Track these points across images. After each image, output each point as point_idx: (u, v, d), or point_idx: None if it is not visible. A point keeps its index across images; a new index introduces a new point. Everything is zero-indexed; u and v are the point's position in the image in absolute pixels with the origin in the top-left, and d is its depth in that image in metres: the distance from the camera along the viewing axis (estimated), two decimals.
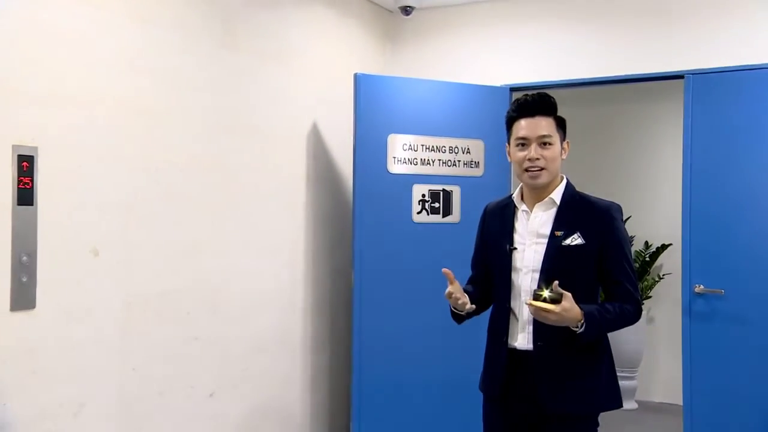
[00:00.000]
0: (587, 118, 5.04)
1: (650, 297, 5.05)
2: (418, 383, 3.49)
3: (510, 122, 2.08)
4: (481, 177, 3.64)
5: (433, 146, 3.55)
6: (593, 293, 2.05)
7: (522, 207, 2.09)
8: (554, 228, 2.01)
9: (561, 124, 2.06)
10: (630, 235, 4.81)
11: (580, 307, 1.90)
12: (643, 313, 4.98)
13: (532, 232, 2.03)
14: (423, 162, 3.53)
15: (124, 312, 2.49)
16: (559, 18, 3.69)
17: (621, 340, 4.45)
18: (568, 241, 1.98)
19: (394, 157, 3.48)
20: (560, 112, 2.09)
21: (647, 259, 5.00)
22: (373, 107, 3.43)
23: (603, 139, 5.18)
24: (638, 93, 4.80)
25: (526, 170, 2.01)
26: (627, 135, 5.21)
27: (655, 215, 4.93)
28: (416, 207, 3.52)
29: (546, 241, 2.01)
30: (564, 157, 2.07)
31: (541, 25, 3.74)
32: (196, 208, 2.78)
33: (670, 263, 4.86)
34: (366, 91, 3.41)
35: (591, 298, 2.03)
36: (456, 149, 3.59)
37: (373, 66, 3.98)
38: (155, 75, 2.60)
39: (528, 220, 2.05)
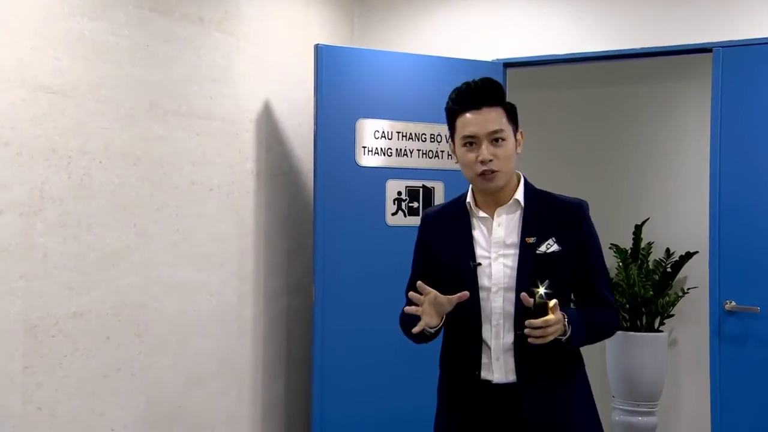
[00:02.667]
0: (594, 101, 4.99)
1: (672, 315, 5.01)
2: (390, 417, 3.46)
3: (451, 116, 2.08)
4: None
5: (411, 134, 3.54)
6: (567, 305, 2.11)
7: (479, 213, 2.07)
8: (524, 234, 2.02)
9: (511, 113, 2.06)
10: (648, 241, 4.89)
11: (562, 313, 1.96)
12: (665, 335, 4.99)
13: (497, 243, 2.04)
14: (399, 153, 3.52)
15: (27, 338, 2.43)
16: None
17: (636, 367, 4.40)
18: (542, 249, 2.01)
19: (364, 147, 3.46)
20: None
21: (669, 270, 4.96)
22: (339, 86, 3.41)
23: (613, 127, 5.13)
24: (657, 70, 4.76)
25: (479, 175, 2.01)
26: (643, 121, 5.16)
27: (677, 217, 4.90)
28: (391, 207, 3.51)
29: (515, 251, 2.02)
30: (519, 151, 2.07)
31: None
32: (116, 209, 2.72)
33: (696, 275, 4.82)
34: (329, 67, 3.38)
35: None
36: (439, 137, 3.58)
37: (338, 36, 3.96)
38: (63, 43, 2.53)
39: (490, 227, 2.05)
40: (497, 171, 1.99)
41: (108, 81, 2.67)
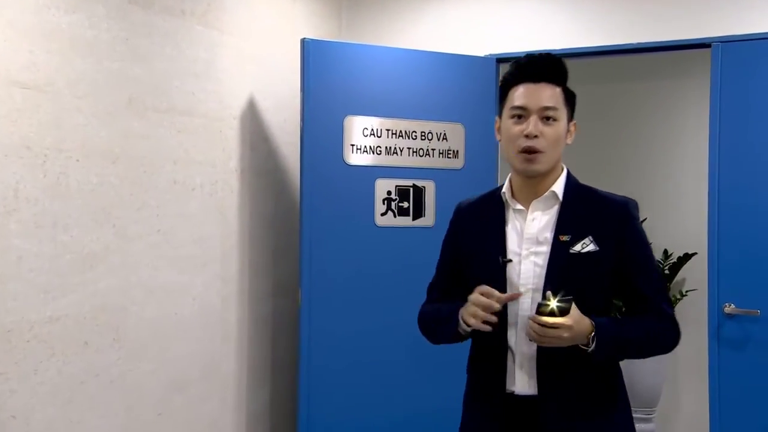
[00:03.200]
0: (590, 98, 4.91)
1: None
2: (380, 425, 3.46)
3: (505, 88, 1.97)
4: (460, 170, 3.63)
5: (401, 131, 3.53)
6: (606, 314, 1.97)
7: (515, 205, 1.98)
8: (558, 231, 1.91)
9: (570, 99, 1.97)
10: None
11: (589, 318, 1.83)
12: None
13: (530, 239, 1.93)
14: (388, 151, 3.51)
15: (1, 344, 2.40)
16: None
17: (634, 372, 4.39)
18: (577, 248, 1.89)
19: (353, 145, 3.45)
20: None
21: (667, 271, 4.98)
22: (326, 82, 3.39)
23: (609, 125, 5.14)
24: (654, 67, 4.77)
25: (521, 151, 1.90)
26: (640, 119, 5.18)
27: (676, 217, 4.91)
28: (380, 207, 3.50)
29: (547, 249, 1.91)
30: (569, 141, 1.98)
31: None
32: (94, 209, 2.69)
33: (695, 277, 4.84)
34: (317, 62, 3.37)
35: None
36: (430, 135, 3.58)
37: (326, 30, 3.95)
38: (39, 37, 2.50)
39: (524, 222, 1.95)
40: (541, 151, 1.89)
41: (86, 76, 2.65)
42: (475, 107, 3.64)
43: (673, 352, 2.02)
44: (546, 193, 1.94)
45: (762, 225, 3.22)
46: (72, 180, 2.61)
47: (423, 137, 3.56)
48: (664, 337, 1.95)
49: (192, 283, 3.12)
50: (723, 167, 3.28)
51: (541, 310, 1.79)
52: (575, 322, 1.79)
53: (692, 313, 4.84)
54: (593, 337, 1.82)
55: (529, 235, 1.93)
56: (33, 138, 2.48)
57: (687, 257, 4.92)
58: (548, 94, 1.91)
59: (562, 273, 1.88)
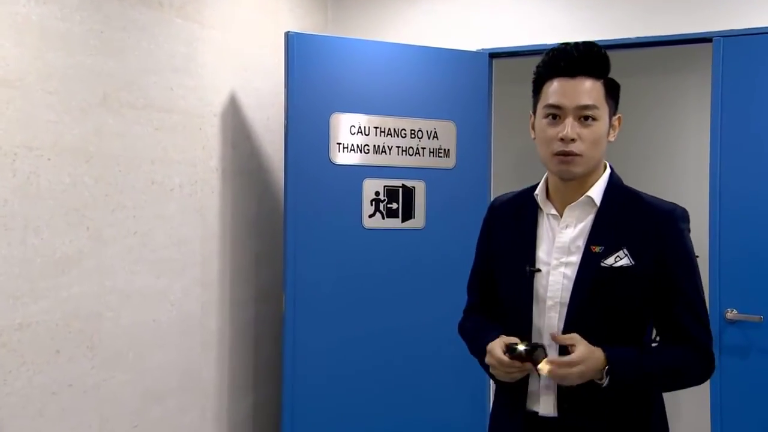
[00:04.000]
0: None
1: None
2: None
3: (538, 82, 1.85)
4: (452, 169, 3.63)
5: (389, 129, 3.53)
6: (639, 337, 1.87)
7: (549, 209, 1.90)
8: (590, 240, 1.81)
9: (612, 91, 1.84)
10: None
11: (602, 349, 1.74)
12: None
13: (561, 248, 1.85)
14: (377, 150, 3.51)
15: None
16: None
17: None
18: (609, 261, 1.78)
19: (339, 144, 3.45)
20: None
21: None
22: (312, 78, 3.38)
23: None
24: (654, 62, 4.77)
25: (556, 154, 1.80)
26: (639, 116, 5.18)
27: None
28: (368, 208, 3.49)
29: (578, 260, 1.82)
30: (612, 138, 1.85)
31: None
32: (66, 210, 2.68)
33: None
34: (301, 57, 3.36)
35: (637, 343, 1.86)
36: (420, 133, 3.58)
37: (312, 23, 3.95)
38: (8, 29, 2.48)
39: (557, 228, 1.87)
40: (578, 155, 1.78)
41: (58, 71, 2.63)
42: (467, 104, 3.64)
43: None
44: (582, 198, 1.85)
45: (765, 227, 3.22)
46: (43, 180, 2.58)
47: (413, 135, 3.56)
48: (695, 370, 1.84)
49: (170, 289, 3.10)
50: (725, 166, 3.28)
51: (511, 348, 1.78)
52: (583, 354, 1.72)
53: None
54: (606, 371, 1.74)
55: (561, 244, 1.85)
56: (1, 135, 2.46)
57: None
58: (586, 90, 1.78)
59: (591, 288, 1.79)
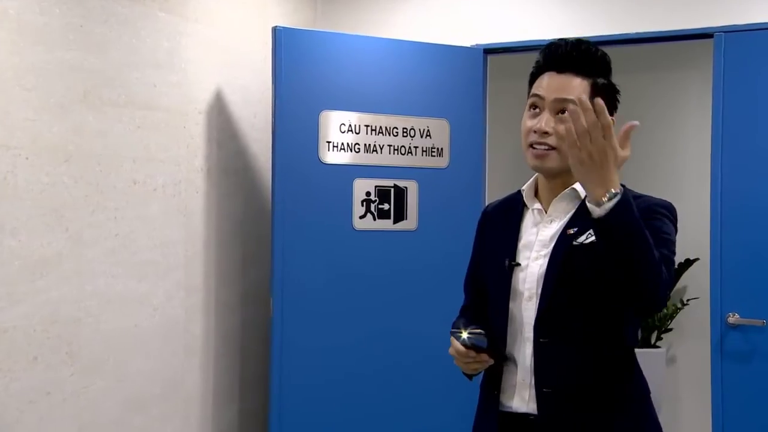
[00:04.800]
0: None
1: (671, 329, 5.04)
2: None
3: (532, 79, 1.91)
4: (445, 169, 3.63)
5: (381, 127, 3.53)
6: (619, 332, 1.83)
7: (534, 204, 1.93)
8: (567, 225, 1.83)
9: (605, 93, 1.83)
10: None
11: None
12: (663, 351, 5.01)
13: (543, 241, 1.87)
14: (368, 149, 3.51)
15: None
16: None
17: None
18: (581, 239, 1.78)
19: (329, 142, 3.45)
20: None
21: None
22: (300, 74, 3.39)
23: None
24: (653, 58, 4.79)
25: (530, 146, 1.84)
26: (638, 113, 5.17)
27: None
28: (359, 209, 3.50)
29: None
30: None
31: None
32: (45, 211, 2.67)
33: (697, 285, 4.86)
34: (290, 52, 3.36)
35: (617, 336, 1.83)
36: (412, 131, 3.58)
37: (300, 18, 3.95)
38: None
39: (541, 224, 1.90)
40: (552, 148, 1.80)
41: (36, 66, 2.61)
42: (461, 102, 3.65)
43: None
44: (566, 191, 1.86)
45: None
46: (20, 179, 2.57)
47: (405, 134, 3.56)
48: (657, 274, 1.63)
49: (153, 292, 3.09)
50: (726, 166, 3.29)
51: (453, 332, 1.83)
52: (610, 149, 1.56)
53: (694, 323, 4.87)
54: (616, 193, 1.56)
55: (543, 238, 1.88)
56: None
57: (688, 263, 4.94)
58: (570, 86, 1.80)
59: (562, 265, 1.80)
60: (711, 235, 3.31)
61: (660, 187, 4.94)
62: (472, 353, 1.83)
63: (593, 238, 1.71)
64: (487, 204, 2.19)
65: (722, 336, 3.27)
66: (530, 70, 1.94)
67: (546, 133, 1.80)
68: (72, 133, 2.74)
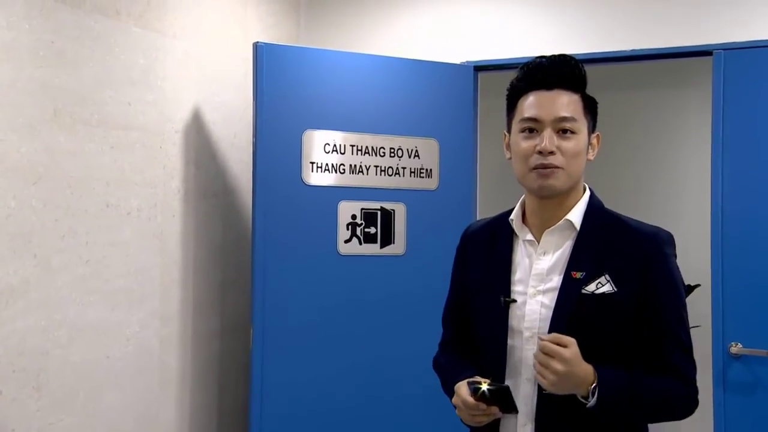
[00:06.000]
0: None
1: None
2: None
3: (513, 97, 1.91)
4: (435, 191, 3.65)
5: (367, 147, 3.54)
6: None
7: (525, 235, 1.92)
8: (570, 266, 1.84)
9: (590, 107, 1.90)
10: None
11: (593, 367, 1.74)
12: None
13: (538, 275, 1.87)
14: (353, 170, 3.51)
15: None
16: None
17: None
18: (591, 287, 1.80)
19: (313, 163, 3.45)
20: None
21: None
22: (283, 92, 3.40)
23: (603, 138, 5.18)
24: (652, 76, 4.81)
25: (535, 168, 1.83)
26: (635, 132, 5.22)
27: (677, 243, 4.93)
28: (344, 233, 3.50)
29: (557, 287, 1.84)
30: (591, 157, 1.90)
31: None
32: (11, 237, 2.64)
33: (698, 312, 4.81)
34: (272, 69, 3.37)
35: None
36: (400, 152, 3.59)
37: (283, 34, 3.97)
38: None
39: (534, 256, 1.89)
40: (558, 167, 1.81)
41: (4, 84, 2.60)
42: (450, 121, 3.66)
43: None
44: (560, 223, 1.87)
45: None
46: None
47: (392, 154, 3.57)
48: (680, 402, 1.84)
49: (126, 322, 3.07)
50: (727, 188, 3.30)
51: (474, 387, 1.80)
52: (573, 357, 1.71)
53: (695, 353, 4.85)
54: (594, 388, 1.73)
55: (538, 272, 1.87)
56: None
57: (689, 289, 4.93)
58: (564, 103, 1.83)
59: (571, 316, 1.80)
60: (712, 260, 3.32)
61: (658, 209, 4.98)
62: (483, 405, 1.80)
63: (604, 288, 1.79)
64: (466, 227, 2.14)
65: (724, 366, 3.27)
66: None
67: (552, 153, 1.81)
68: (41, 154, 2.72)
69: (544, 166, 1.81)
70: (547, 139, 1.80)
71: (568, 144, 1.82)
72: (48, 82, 2.74)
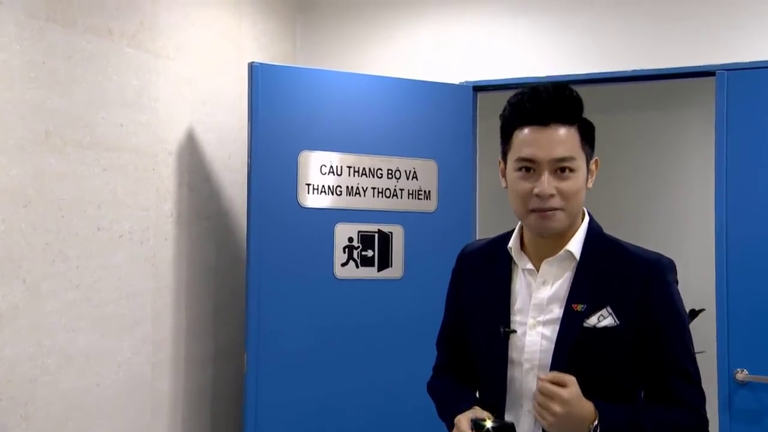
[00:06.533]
0: None
1: None
2: None
3: (508, 129, 1.87)
4: (433, 213, 3.65)
5: (364, 169, 3.55)
6: (631, 401, 1.89)
7: (524, 264, 1.91)
8: (571, 298, 1.83)
9: (587, 135, 1.87)
10: None
11: (593, 404, 1.74)
12: None
13: (538, 306, 1.87)
14: (350, 191, 3.52)
15: None
16: None
17: None
18: (592, 320, 1.80)
19: (309, 185, 3.45)
20: None
21: None
22: (278, 112, 3.40)
23: (604, 160, 5.19)
24: (654, 97, 4.83)
25: (533, 210, 1.82)
26: (638, 153, 5.24)
27: (680, 266, 4.92)
28: (340, 256, 3.50)
29: (558, 319, 1.84)
30: (590, 185, 1.88)
31: (521, 0, 3.76)
32: (1, 261, 2.64)
33: (703, 337, 4.79)
34: (267, 89, 3.38)
35: None
36: (398, 173, 3.60)
37: (278, 53, 3.98)
38: None
39: (533, 285, 1.89)
40: (558, 209, 1.80)
41: None
42: (449, 142, 3.67)
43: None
44: (560, 253, 1.86)
45: None
46: None
47: (390, 175, 3.57)
48: (688, 429, 1.83)
49: (117, 348, 3.06)
50: (731, 210, 3.30)
51: (477, 424, 1.78)
52: (572, 398, 1.70)
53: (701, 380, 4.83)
54: (595, 427, 1.73)
55: (538, 302, 1.87)
56: None
57: (693, 314, 4.92)
58: (561, 140, 1.79)
59: (573, 351, 1.80)
60: (716, 284, 3.31)
61: (661, 233, 4.98)
62: None
63: (606, 321, 1.78)
64: (464, 246, 2.12)
65: (730, 394, 3.25)
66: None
67: (551, 196, 1.79)
68: (31, 177, 2.72)
69: (543, 210, 1.80)
70: (546, 182, 1.78)
71: (567, 184, 1.80)
72: (39, 104, 2.74)
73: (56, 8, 2.80)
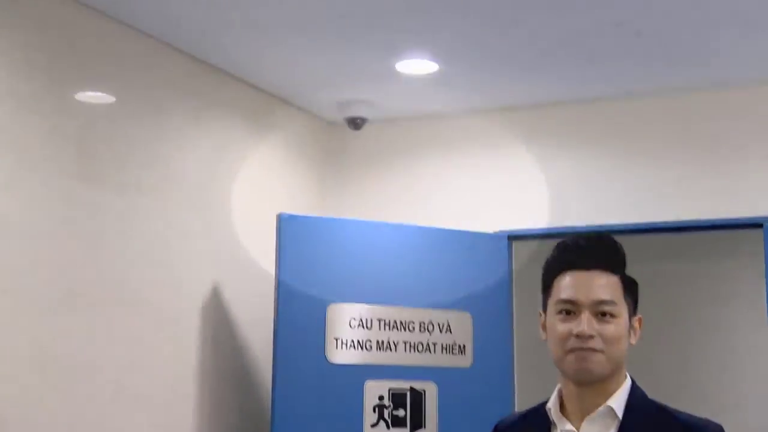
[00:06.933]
0: None
1: None
2: None
3: (548, 278, 1.88)
4: (468, 369, 3.60)
5: (395, 322, 3.52)
6: None
7: (564, 425, 1.85)
8: None
9: (631, 289, 1.86)
10: None
11: None
12: None
13: None
14: (381, 346, 3.48)
15: None
16: (581, 141, 3.78)
17: None
18: None
19: (338, 339, 3.43)
20: None
21: None
22: (306, 264, 3.41)
23: (649, 314, 5.09)
24: (700, 248, 4.77)
25: (571, 350, 1.79)
26: (683, 307, 5.12)
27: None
28: (370, 416, 3.44)
29: None
30: (633, 341, 1.86)
31: (556, 148, 3.80)
32: (15, 425, 2.59)
33: None
34: (294, 241, 3.40)
35: None
36: (431, 326, 3.56)
37: (306, 203, 4.01)
38: None
39: None
40: (597, 351, 1.77)
41: (18, 269, 2.63)
42: (484, 293, 3.64)
43: None
44: (601, 409, 1.81)
45: None
46: None
47: (422, 329, 3.54)
48: None
49: None
50: None
51: None
52: None
53: None
54: None
55: None
56: None
57: None
58: (602, 285, 1.80)
59: None
60: None
61: (712, 394, 4.80)
62: None
63: None
64: (498, 421, 2.06)
65: None
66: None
67: (591, 337, 1.76)
68: (50, 337, 2.74)
69: (582, 349, 1.78)
70: (585, 322, 1.77)
71: (608, 328, 1.78)
72: (61, 264, 2.79)
73: (82, 166, 2.88)
